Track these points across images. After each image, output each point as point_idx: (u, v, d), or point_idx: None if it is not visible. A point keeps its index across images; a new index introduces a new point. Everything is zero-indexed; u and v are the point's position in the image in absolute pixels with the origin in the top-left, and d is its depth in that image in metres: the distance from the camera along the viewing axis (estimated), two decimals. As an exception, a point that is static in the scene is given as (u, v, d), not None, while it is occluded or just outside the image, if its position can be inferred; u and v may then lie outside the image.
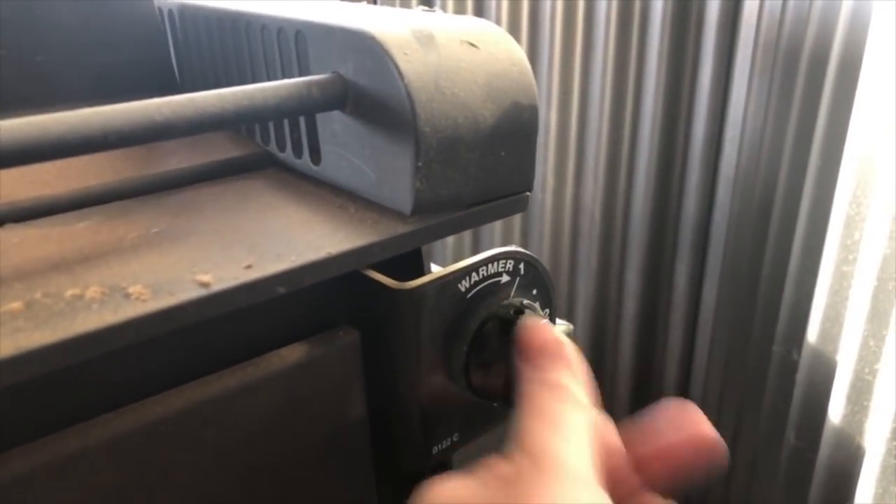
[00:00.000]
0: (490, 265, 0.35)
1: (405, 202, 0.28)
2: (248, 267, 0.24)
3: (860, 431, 0.90)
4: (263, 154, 0.34)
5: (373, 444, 0.36)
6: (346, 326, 0.33)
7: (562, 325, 0.52)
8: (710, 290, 1.22)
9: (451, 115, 0.27)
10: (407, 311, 0.32)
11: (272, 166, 0.34)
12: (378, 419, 0.36)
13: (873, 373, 0.88)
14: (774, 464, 1.10)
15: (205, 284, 0.23)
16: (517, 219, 1.30)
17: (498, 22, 1.12)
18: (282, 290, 0.24)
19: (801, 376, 1.01)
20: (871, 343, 0.87)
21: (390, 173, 0.28)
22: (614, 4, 1.13)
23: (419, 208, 0.28)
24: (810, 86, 1.01)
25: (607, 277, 1.34)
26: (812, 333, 0.98)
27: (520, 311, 0.35)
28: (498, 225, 1.28)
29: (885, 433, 0.84)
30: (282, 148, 0.34)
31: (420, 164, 0.27)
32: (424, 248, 0.36)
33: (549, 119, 1.22)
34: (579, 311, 1.34)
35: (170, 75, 0.43)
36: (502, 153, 0.29)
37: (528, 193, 0.33)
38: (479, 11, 1.17)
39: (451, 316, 0.34)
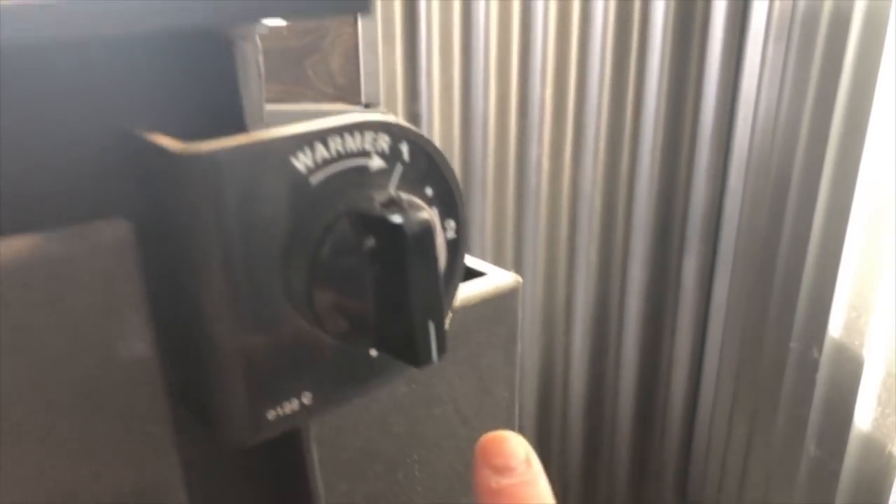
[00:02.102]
0: (347, 136, 0.24)
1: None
2: None
3: (892, 438, 0.78)
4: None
5: (182, 401, 0.24)
6: (112, 216, 0.21)
7: (507, 276, 0.40)
8: (722, 283, 1.10)
9: None
10: (201, 192, 0.21)
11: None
12: (184, 364, 0.24)
13: (908, 369, 0.75)
14: (792, 476, 0.97)
15: None
16: (509, 204, 1.18)
17: (482, -22, 1.02)
18: None
19: (822, 376, 0.89)
20: (906, 333, 0.75)
21: None
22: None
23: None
24: (831, 51, 0.90)
25: (609, 271, 1.22)
26: (835, 326, 0.86)
27: (392, 202, 0.23)
28: (489, 213, 1.16)
29: (923, 439, 0.71)
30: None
31: None
32: (259, 111, 0.24)
33: (543, 94, 1.11)
34: (578, 308, 1.22)
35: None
36: None
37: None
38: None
39: (284, 211, 0.23)
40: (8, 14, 0.16)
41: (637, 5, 1.06)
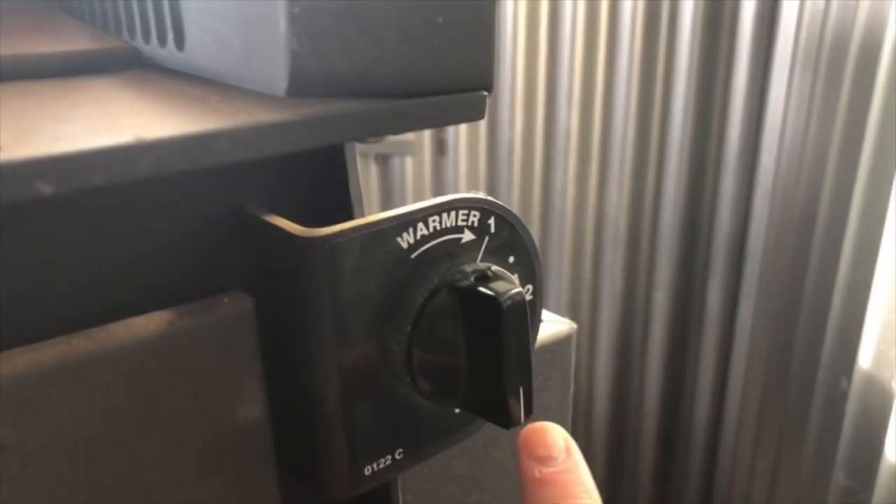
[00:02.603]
0: (444, 216, 0.25)
1: (279, 75, 0.19)
2: (-9, 149, 0.15)
3: (923, 470, 0.78)
4: (128, 50, 0.25)
5: (279, 459, 0.26)
6: (235, 291, 0.23)
7: (562, 323, 0.42)
8: (746, 310, 1.11)
9: (351, -62, 0.18)
10: (318, 271, 0.23)
11: (139, 66, 0.25)
12: (286, 424, 0.26)
13: (939, 402, 0.76)
14: (820, 505, 0.97)
15: None
16: (534, 230, 1.20)
17: (515, 11, 1.04)
18: (45, 187, 0.15)
19: (851, 406, 0.89)
20: (937, 367, 0.75)
21: (260, 34, 0.19)
22: (641, -6, 1.04)
23: (301, 86, 0.19)
24: (860, 79, 0.91)
25: (633, 296, 1.23)
26: (864, 357, 0.87)
27: (484, 277, 0.25)
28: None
29: (955, 473, 0.72)
30: (146, 37, 0.25)
31: (297, 9, 0.18)
32: (358, 193, 0.26)
33: (569, 122, 1.13)
34: (602, 332, 1.23)
35: None
36: (438, 18, 0.20)
37: (484, 93, 0.23)
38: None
39: (388, 283, 0.24)
40: (161, 148, 0.17)
41: (663, 33, 1.08)
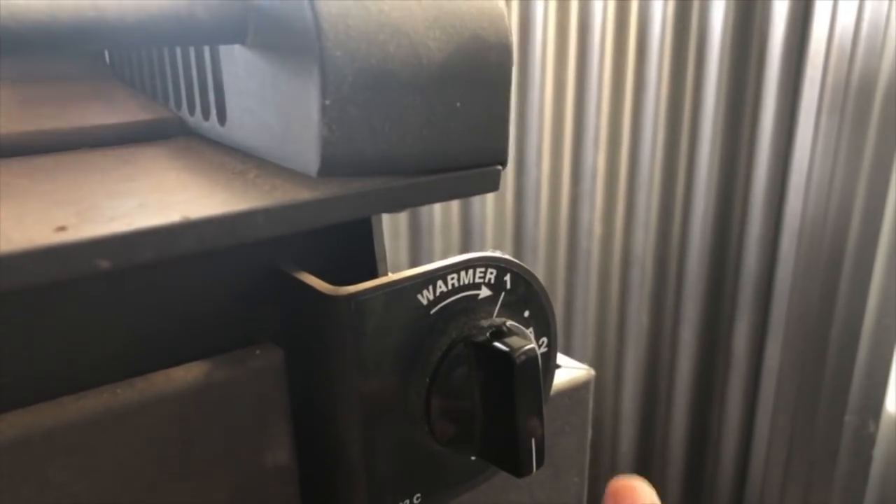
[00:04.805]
0: (462, 273, 0.27)
1: (311, 158, 0.21)
2: (61, 229, 0.17)
3: (953, 520, 0.77)
4: (174, 120, 0.28)
5: (304, 503, 0.28)
6: (266, 343, 0.25)
7: (581, 369, 0.43)
8: (773, 352, 1.10)
9: (378, 39, 0.20)
10: (343, 326, 0.25)
11: (184, 135, 0.28)
12: (311, 469, 0.28)
13: (968, 450, 0.75)
14: (849, 553, 0.96)
15: (-22, 247, 0.16)
16: (560, 269, 1.21)
17: (543, 54, 1.06)
18: (104, 263, 0.17)
19: (879, 452, 0.89)
20: (965, 415, 0.75)
21: (295, 121, 0.21)
22: (668, 37, 1.06)
23: (331, 167, 0.21)
24: (886, 124, 0.91)
25: (659, 336, 1.23)
26: (892, 401, 0.86)
27: (499, 332, 0.27)
28: (539, 276, 1.19)
29: None
30: (191, 109, 0.28)
31: (328, 101, 0.20)
32: (383, 252, 0.28)
33: (596, 162, 1.14)
34: (628, 372, 1.23)
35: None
36: (457, 103, 0.22)
37: (499, 168, 0.25)
38: (525, 43, 1.11)
39: (408, 337, 0.26)
40: (204, 227, 0.19)
41: (689, 75, 1.10)
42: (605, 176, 1.17)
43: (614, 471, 1.25)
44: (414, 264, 1.13)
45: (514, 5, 1.05)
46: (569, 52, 1.09)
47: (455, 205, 1.14)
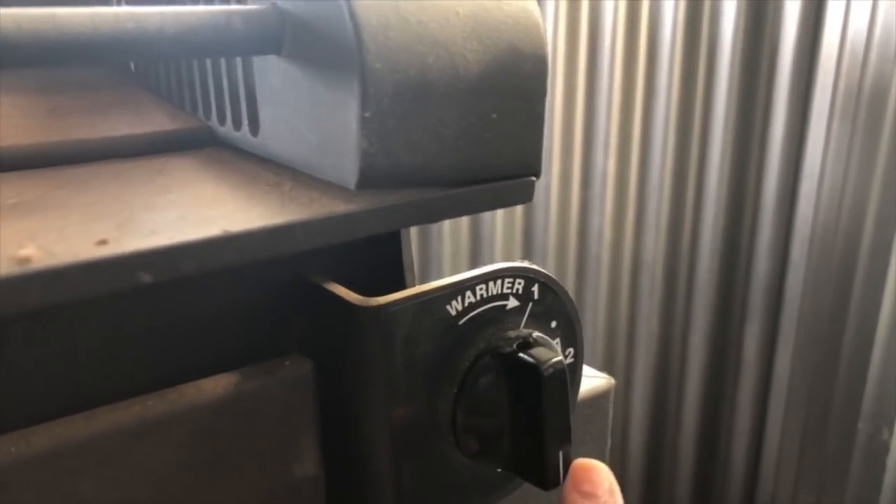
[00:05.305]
0: (491, 284, 0.27)
1: (349, 170, 0.21)
2: (102, 243, 0.17)
3: (968, 529, 0.77)
4: (203, 130, 0.27)
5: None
6: (295, 354, 0.25)
7: (600, 378, 0.43)
8: (784, 359, 1.10)
9: (417, 50, 0.20)
10: (373, 337, 0.24)
11: (213, 145, 0.28)
12: (338, 480, 0.27)
13: (983, 459, 0.75)
14: (861, 561, 0.95)
15: (23, 260, 0.16)
16: (570, 274, 1.21)
17: (553, 58, 1.06)
18: (146, 276, 0.17)
19: (893, 460, 0.88)
20: (981, 423, 0.74)
21: (333, 132, 0.21)
22: (679, 42, 1.06)
23: (370, 180, 0.21)
24: (900, 130, 0.91)
25: (669, 341, 1.23)
26: (906, 410, 0.86)
27: (526, 344, 0.27)
28: (550, 280, 1.19)
29: None
30: (221, 119, 0.27)
31: (368, 113, 0.20)
32: (410, 261, 0.28)
33: (606, 167, 1.14)
34: (638, 377, 1.23)
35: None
36: (493, 115, 0.22)
37: (533, 179, 0.25)
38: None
39: (436, 348, 0.26)
40: (244, 240, 0.19)
41: (700, 79, 1.09)
42: (616, 180, 1.17)
43: (624, 478, 1.25)
44: (423, 268, 1.13)
45: (526, 10, 1.05)
46: (579, 56, 1.09)
47: (465, 209, 1.13)
